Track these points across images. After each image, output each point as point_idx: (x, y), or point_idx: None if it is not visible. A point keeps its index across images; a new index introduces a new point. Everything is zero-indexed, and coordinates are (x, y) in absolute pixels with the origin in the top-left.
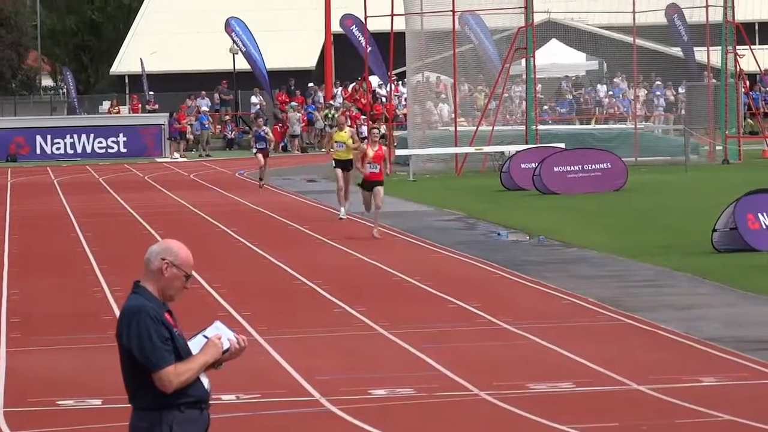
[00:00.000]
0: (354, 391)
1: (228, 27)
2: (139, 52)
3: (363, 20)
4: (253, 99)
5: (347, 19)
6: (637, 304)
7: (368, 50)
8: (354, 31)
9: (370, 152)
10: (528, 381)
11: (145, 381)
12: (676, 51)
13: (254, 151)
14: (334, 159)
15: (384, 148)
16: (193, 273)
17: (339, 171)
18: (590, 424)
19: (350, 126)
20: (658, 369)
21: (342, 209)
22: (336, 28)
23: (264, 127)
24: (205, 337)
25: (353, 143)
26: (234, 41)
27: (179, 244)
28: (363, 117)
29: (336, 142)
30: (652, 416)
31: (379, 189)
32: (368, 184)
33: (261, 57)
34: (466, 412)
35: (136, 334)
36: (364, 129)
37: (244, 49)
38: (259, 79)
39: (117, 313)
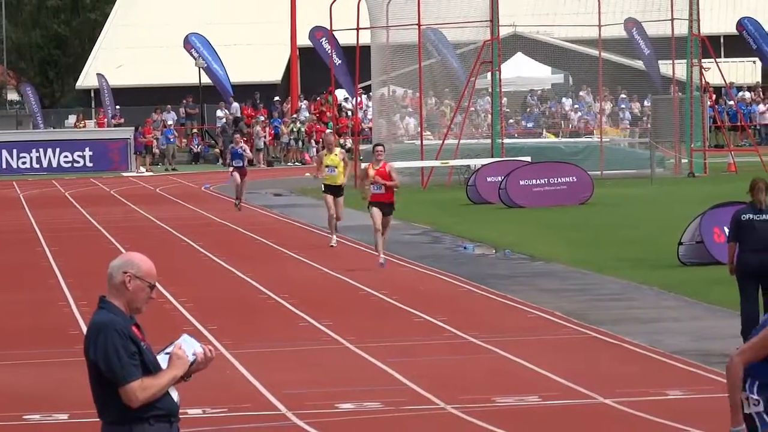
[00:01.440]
0: (321, 405)
1: (187, 43)
2: (105, 66)
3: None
4: (219, 113)
5: (317, 31)
6: (603, 317)
7: (337, 63)
8: (323, 43)
9: (371, 172)
10: (494, 394)
11: (113, 395)
12: (640, 64)
13: (231, 169)
14: (324, 184)
15: (388, 165)
16: (157, 284)
17: (329, 197)
18: None
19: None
20: (624, 382)
21: (333, 236)
22: (302, 42)
23: (241, 144)
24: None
25: (345, 167)
26: (194, 57)
27: (140, 256)
28: (328, 131)
29: (327, 166)
30: (619, 429)
31: (388, 219)
32: (375, 205)
33: (224, 72)
34: (432, 425)
35: (102, 348)
36: None
37: (205, 65)
38: (222, 94)
39: (83, 327)
